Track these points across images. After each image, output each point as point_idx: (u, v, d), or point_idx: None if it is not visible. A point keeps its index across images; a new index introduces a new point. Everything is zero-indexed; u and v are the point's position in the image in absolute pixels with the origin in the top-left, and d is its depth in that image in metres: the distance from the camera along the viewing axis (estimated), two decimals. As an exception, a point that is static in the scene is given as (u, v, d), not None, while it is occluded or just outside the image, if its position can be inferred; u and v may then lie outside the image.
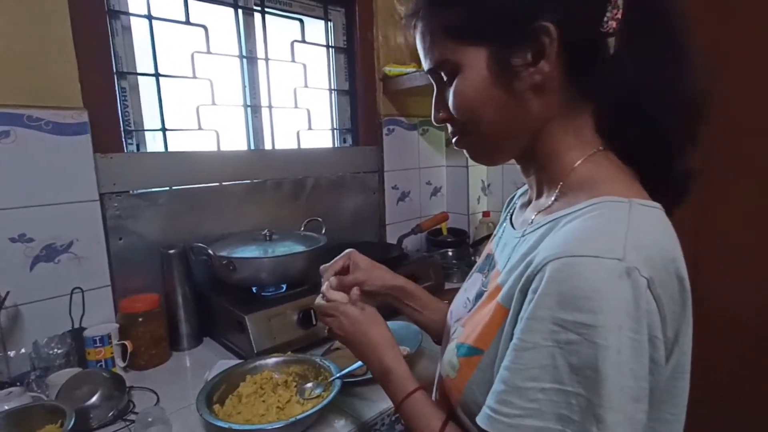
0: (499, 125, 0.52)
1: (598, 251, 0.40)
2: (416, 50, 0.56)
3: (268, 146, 1.50)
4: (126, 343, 1.03)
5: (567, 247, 0.42)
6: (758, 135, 1.26)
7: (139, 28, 1.21)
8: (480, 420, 0.45)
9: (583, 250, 0.41)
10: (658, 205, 0.47)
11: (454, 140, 0.58)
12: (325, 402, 0.79)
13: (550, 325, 0.40)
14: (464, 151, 0.58)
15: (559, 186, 0.52)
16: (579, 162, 0.51)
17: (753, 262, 1.33)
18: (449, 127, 0.57)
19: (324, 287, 0.74)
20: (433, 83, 0.57)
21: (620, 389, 0.38)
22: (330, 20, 1.62)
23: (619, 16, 0.46)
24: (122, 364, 1.03)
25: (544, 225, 0.50)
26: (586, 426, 0.38)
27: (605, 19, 0.46)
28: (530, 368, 0.41)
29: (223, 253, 1.14)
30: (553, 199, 0.52)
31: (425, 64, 0.55)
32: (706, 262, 1.35)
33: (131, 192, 1.16)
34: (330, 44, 1.63)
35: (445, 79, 0.54)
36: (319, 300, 0.74)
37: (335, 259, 0.80)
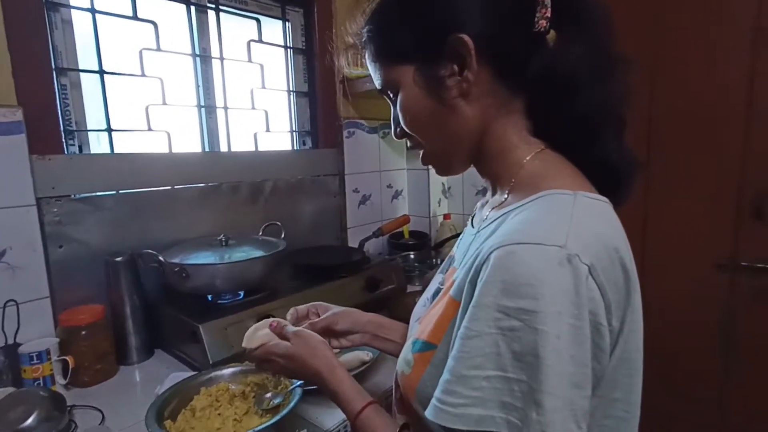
0: (441, 134, 0.55)
1: (540, 239, 0.41)
2: None
3: (223, 148, 1.44)
4: (67, 358, 0.95)
5: (511, 236, 0.43)
6: (699, 137, 1.35)
7: (82, 22, 1.14)
8: (428, 412, 0.44)
9: (526, 237, 0.42)
10: (604, 198, 0.49)
11: (421, 158, 0.61)
12: (284, 411, 0.76)
13: (494, 312, 0.41)
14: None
15: (511, 183, 0.54)
16: (527, 159, 0.53)
17: (692, 260, 1.42)
18: (408, 142, 0.62)
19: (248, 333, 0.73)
20: (390, 102, 0.60)
21: (559, 374, 0.39)
22: (288, 20, 1.59)
23: (548, 14, 0.48)
24: (63, 382, 0.96)
25: (495, 220, 0.52)
26: (527, 412, 0.39)
27: (536, 19, 0.48)
28: (475, 356, 0.41)
29: (175, 260, 1.08)
30: (506, 195, 0.54)
31: (376, 86, 0.61)
32: (652, 259, 1.42)
33: (73, 196, 1.08)
34: (288, 45, 1.60)
35: (392, 96, 0.58)
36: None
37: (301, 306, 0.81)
